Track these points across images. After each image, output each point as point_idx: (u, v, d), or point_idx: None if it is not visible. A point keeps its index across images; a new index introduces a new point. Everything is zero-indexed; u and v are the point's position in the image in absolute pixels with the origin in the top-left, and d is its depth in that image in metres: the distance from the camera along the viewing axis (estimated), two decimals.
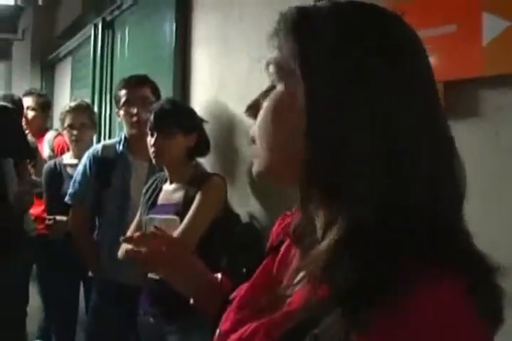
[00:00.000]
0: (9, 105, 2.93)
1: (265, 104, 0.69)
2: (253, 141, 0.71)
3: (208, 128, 2.32)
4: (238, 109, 2.54)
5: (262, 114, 0.70)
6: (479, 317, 0.55)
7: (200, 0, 2.88)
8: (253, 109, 0.72)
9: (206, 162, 2.48)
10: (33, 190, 2.94)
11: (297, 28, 0.67)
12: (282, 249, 0.81)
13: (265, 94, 0.72)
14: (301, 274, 0.67)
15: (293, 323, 0.60)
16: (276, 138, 0.68)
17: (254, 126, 0.71)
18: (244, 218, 2.37)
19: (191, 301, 1.06)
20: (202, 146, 2.28)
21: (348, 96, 0.61)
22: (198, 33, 2.89)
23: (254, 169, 0.71)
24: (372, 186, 0.59)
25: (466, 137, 1.22)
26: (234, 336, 0.70)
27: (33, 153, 3.24)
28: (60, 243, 3.03)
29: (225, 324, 0.76)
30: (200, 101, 2.80)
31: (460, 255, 0.57)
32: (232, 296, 0.82)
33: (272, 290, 0.75)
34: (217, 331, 0.78)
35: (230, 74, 2.61)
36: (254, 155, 0.71)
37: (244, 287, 0.81)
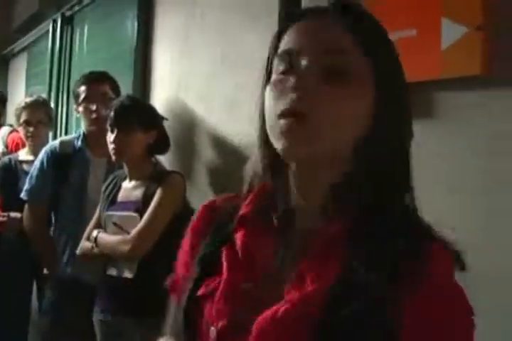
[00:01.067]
0: None
1: (340, 96, 0.72)
2: (295, 116, 0.71)
3: (167, 126, 2.33)
4: (199, 107, 2.55)
5: (338, 104, 0.72)
6: None
7: None
8: (306, 84, 0.73)
9: (165, 160, 2.48)
10: None
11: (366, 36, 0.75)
12: (238, 240, 0.80)
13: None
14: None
15: (328, 298, 0.68)
16: (347, 118, 0.73)
17: (304, 101, 0.71)
18: None
19: None
20: (161, 144, 2.29)
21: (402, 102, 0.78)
22: (159, 30, 2.89)
23: (297, 146, 0.72)
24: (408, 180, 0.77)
25: (425, 138, 1.27)
26: (265, 316, 0.70)
27: None
28: (11, 241, 2.99)
29: (220, 321, 0.74)
30: (160, 99, 2.80)
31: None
32: (200, 292, 0.79)
33: (254, 279, 0.75)
34: (212, 330, 0.75)
35: (191, 73, 2.62)
36: (297, 133, 0.71)
37: (211, 283, 0.79)
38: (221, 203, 0.89)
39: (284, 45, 0.77)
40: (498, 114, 1.26)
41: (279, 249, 0.77)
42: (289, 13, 0.80)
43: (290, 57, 0.74)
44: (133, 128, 2.12)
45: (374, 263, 0.68)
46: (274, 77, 0.76)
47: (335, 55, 0.73)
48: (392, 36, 1.31)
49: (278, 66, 0.76)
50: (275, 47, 0.79)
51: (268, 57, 0.80)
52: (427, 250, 0.70)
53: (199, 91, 2.54)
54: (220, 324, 0.74)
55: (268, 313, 0.70)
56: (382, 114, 0.74)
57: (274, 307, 0.69)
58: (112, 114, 2.12)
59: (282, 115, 0.71)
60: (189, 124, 2.60)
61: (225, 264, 0.79)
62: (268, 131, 0.76)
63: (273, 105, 0.74)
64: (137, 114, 2.14)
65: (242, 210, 0.82)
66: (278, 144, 0.73)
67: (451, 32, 1.26)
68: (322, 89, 0.71)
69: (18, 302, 3.11)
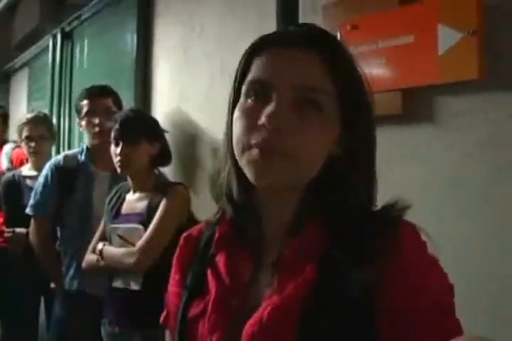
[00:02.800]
0: None
1: (316, 127, 0.75)
2: (262, 148, 0.74)
3: (169, 138, 2.34)
4: (200, 119, 2.57)
5: (313, 134, 0.75)
6: None
7: (161, 12, 2.91)
8: (281, 119, 0.75)
9: (168, 171, 2.49)
10: None
11: (335, 65, 0.77)
12: (219, 260, 0.84)
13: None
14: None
15: (310, 295, 0.71)
16: (315, 155, 0.77)
17: (279, 136, 0.74)
18: None
19: None
20: (164, 156, 2.30)
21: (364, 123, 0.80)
22: (159, 44, 2.92)
23: (267, 175, 0.75)
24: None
25: (423, 141, 1.28)
26: (252, 321, 0.73)
27: None
28: (18, 256, 3.00)
29: (214, 335, 0.77)
30: (161, 112, 2.82)
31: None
32: (191, 315, 0.83)
33: (238, 295, 0.79)
34: None
35: (191, 86, 2.64)
36: (269, 163, 0.74)
37: (200, 303, 0.82)
38: (199, 231, 0.93)
39: (256, 72, 0.78)
40: (496, 118, 1.27)
41: (256, 266, 0.81)
42: (263, 38, 0.81)
43: (262, 87, 0.76)
44: (138, 140, 2.13)
45: (346, 253, 0.73)
46: (242, 100, 0.78)
47: (307, 91, 0.75)
48: (389, 43, 1.35)
49: (248, 91, 0.78)
50: (243, 69, 0.80)
51: (236, 76, 0.82)
52: (395, 231, 0.74)
53: (199, 103, 2.56)
54: (215, 337, 0.77)
55: (254, 318, 0.73)
56: (349, 148, 0.78)
57: (258, 312, 0.73)
58: (117, 126, 2.14)
59: (256, 146, 0.74)
60: (191, 135, 2.61)
61: (211, 283, 0.82)
62: (237, 155, 0.78)
63: (244, 134, 0.75)
64: (142, 126, 2.17)
65: (218, 234, 0.86)
66: (249, 172, 0.76)
67: (447, 37, 1.28)
68: (296, 123, 0.73)
69: (26, 317, 3.10)
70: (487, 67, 1.26)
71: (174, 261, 0.94)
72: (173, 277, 0.93)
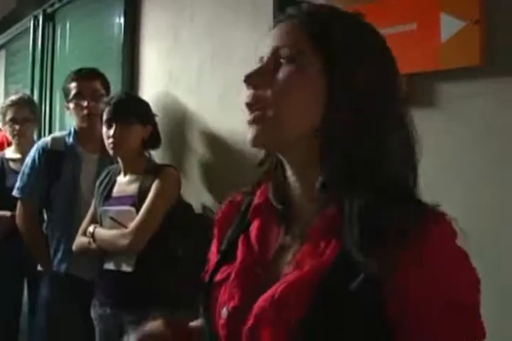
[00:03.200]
0: None
1: (286, 74, 0.78)
2: (251, 107, 0.80)
3: (158, 121, 2.36)
4: (189, 102, 2.58)
5: (283, 81, 0.78)
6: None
7: None
8: (257, 77, 0.80)
9: (156, 155, 2.51)
10: None
11: (314, 22, 0.80)
12: (253, 228, 0.88)
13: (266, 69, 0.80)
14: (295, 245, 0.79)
15: (323, 278, 0.72)
16: (299, 105, 0.78)
17: (254, 93, 0.79)
18: (196, 209, 2.41)
19: None
20: (155, 138, 2.32)
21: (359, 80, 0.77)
22: (147, 26, 2.91)
23: (255, 135, 0.79)
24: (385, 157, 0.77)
25: (425, 124, 1.32)
26: (260, 303, 0.75)
27: None
28: (1, 238, 2.98)
29: (231, 302, 0.80)
30: (149, 95, 2.82)
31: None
32: (217, 278, 0.86)
33: (263, 265, 0.82)
34: (224, 311, 0.81)
35: (180, 69, 2.65)
36: (255, 122, 0.79)
37: (228, 268, 0.86)
38: (240, 197, 0.96)
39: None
40: (495, 103, 1.32)
41: (283, 236, 0.84)
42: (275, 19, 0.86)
43: (261, 62, 0.82)
44: (132, 122, 2.15)
45: (371, 239, 0.71)
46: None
47: (280, 49, 0.80)
48: (393, 30, 1.39)
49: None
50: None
51: None
52: (424, 218, 0.72)
53: (189, 86, 2.57)
54: (231, 305, 0.80)
55: (268, 293, 0.75)
56: (333, 103, 0.77)
57: (273, 288, 0.75)
58: (110, 108, 2.14)
59: (247, 107, 0.80)
60: (180, 119, 2.63)
61: (240, 250, 0.86)
62: None
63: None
64: (135, 109, 2.18)
65: (255, 201, 0.90)
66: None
67: (450, 26, 1.33)
68: (268, 78, 0.79)
69: (8, 300, 3.08)
70: (487, 55, 1.31)
71: (216, 223, 0.97)
72: (214, 238, 0.97)
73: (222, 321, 0.81)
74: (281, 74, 0.78)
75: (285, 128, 0.78)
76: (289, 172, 0.84)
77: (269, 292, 0.75)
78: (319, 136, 0.78)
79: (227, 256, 0.88)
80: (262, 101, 0.78)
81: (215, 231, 0.97)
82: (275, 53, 0.80)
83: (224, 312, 0.81)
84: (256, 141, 0.79)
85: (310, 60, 0.78)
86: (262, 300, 0.75)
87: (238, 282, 0.81)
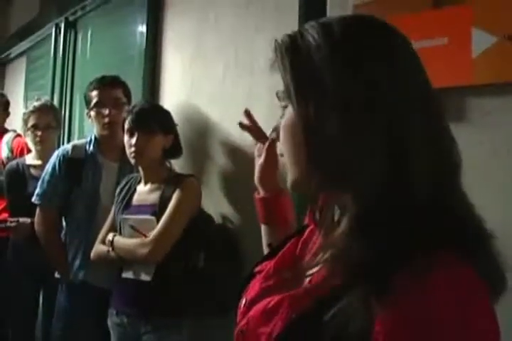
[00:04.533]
0: None
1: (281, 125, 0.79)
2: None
3: (179, 130, 2.35)
4: (211, 112, 2.57)
5: (280, 133, 0.79)
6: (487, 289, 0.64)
7: (172, 1, 2.90)
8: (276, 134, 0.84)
9: (177, 164, 2.50)
10: None
11: (288, 53, 0.75)
12: (306, 232, 0.90)
13: (282, 116, 0.81)
14: (321, 254, 0.74)
15: (313, 299, 0.69)
16: (292, 152, 0.77)
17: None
18: (216, 219, 2.40)
19: None
20: (176, 148, 2.32)
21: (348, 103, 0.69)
22: (169, 35, 2.91)
23: (288, 183, 0.81)
24: (372, 178, 0.67)
25: (457, 138, 1.30)
26: (258, 306, 0.78)
27: None
28: (19, 245, 3.00)
29: (250, 293, 0.84)
30: (171, 104, 2.82)
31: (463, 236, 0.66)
32: (256, 269, 0.90)
33: (294, 266, 0.84)
34: (243, 299, 0.85)
35: (202, 77, 2.64)
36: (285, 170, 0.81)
37: (268, 263, 0.88)
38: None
39: None
40: None
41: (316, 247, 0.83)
42: None
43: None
44: (153, 131, 2.15)
45: (369, 268, 0.64)
46: None
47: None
48: (424, 44, 1.38)
49: None
50: None
51: None
52: (431, 257, 0.62)
53: (211, 95, 2.57)
54: (249, 296, 0.84)
55: (266, 300, 0.77)
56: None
57: (272, 298, 0.76)
58: (133, 117, 2.15)
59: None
60: (201, 128, 2.62)
61: (283, 250, 0.89)
62: None
63: None
64: (157, 118, 2.19)
65: (311, 208, 0.90)
66: None
67: (481, 41, 1.31)
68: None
69: (26, 306, 3.09)
70: None
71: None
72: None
73: (240, 309, 0.85)
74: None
75: (296, 172, 0.79)
76: None
77: (269, 299, 0.76)
78: None
79: (272, 252, 0.92)
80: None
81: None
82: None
83: (243, 301, 0.85)
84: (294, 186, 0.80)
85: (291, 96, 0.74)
86: (260, 305, 0.78)
87: (264, 279, 0.85)
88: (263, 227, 1.27)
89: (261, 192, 1.26)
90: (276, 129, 0.84)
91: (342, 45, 0.71)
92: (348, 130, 0.68)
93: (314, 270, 0.77)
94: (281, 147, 0.80)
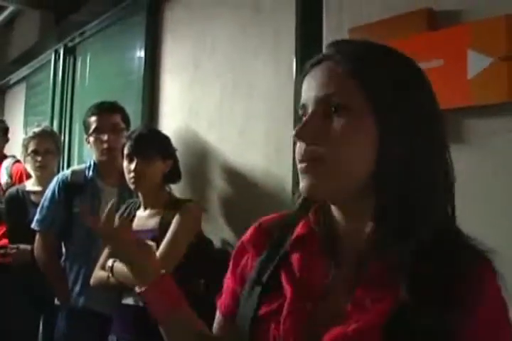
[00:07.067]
0: None
1: (344, 128, 0.77)
2: (304, 161, 0.79)
3: (178, 155, 2.36)
4: (209, 136, 2.59)
5: (341, 137, 0.77)
6: None
7: (171, 28, 2.93)
8: (309, 132, 0.79)
9: (176, 189, 2.50)
10: None
11: (359, 70, 0.78)
12: (294, 260, 0.86)
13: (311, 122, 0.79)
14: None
15: (390, 319, 0.72)
16: (357, 156, 0.77)
17: (306, 148, 0.79)
18: (216, 244, 2.40)
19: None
20: (175, 173, 2.32)
21: (411, 127, 0.78)
22: (168, 60, 2.94)
23: (310, 184, 0.79)
24: (436, 198, 0.77)
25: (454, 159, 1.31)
26: (334, 332, 0.75)
27: None
28: (19, 272, 2.97)
29: (290, 339, 0.79)
30: (169, 128, 2.83)
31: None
32: (262, 312, 0.84)
33: (313, 298, 0.80)
34: None
35: (201, 102, 2.66)
36: (309, 172, 0.79)
37: (274, 301, 0.83)
38: (270, 223, 0.95)
39: (302, 96, 0.84)
40: None
41: (331, 270, 0.82)
42: (308, 62, 0.85)
43: (303, 110, 0.82)
44: (152, 157, 2.15)
45: (429, 291, 0.72)
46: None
47: (328, 97, 0.78)
48: (420, 66, 1.38)
49: (300, 115, 0.84)
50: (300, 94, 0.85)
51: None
52: (478, 273, 0.75)
53: (210, 120, 2.58)
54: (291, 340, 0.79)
55: (337, 330, 0.75)
56: (385, 148, 0.77)
57: (342, 326, 0.75)
58: (132, 142, 2.15)
59: (299, 160, 0.80)
60: (200, 153, 2.63)
61: (286, 284, 0.84)
62: None
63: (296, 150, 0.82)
64: (156, 143, 2.19)
65: (297, 232, 0.88)
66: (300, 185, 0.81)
67: (477, 62, 1.33)
68: (322, 130, 0.78)
69: (26, 332, 3.06)
70: None
71: (239, 245, 0.98)
72: (236, 260, 0.97)
73: None
74: (338, 128, 0.77)
75: (341, 179, 0.78)
76: (333, 208, 0.85)
77: (337, 329, 0.75)
78: (373, 183, 0.78)
79: (266, 289, 0.87)
80: (318, 156, 0.78)
81: (239, 253, 0.97)
82: (322, 102, 0.79)
83: None
84: (311, 191, 0.79)
85: (363, 108, 0.77)
86: (332, 336, 0.75)
87: (292, 320, 0.80)
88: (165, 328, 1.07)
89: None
90: (308, 129, 0.79)
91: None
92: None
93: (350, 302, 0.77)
94: (322, 150, 0.77)
